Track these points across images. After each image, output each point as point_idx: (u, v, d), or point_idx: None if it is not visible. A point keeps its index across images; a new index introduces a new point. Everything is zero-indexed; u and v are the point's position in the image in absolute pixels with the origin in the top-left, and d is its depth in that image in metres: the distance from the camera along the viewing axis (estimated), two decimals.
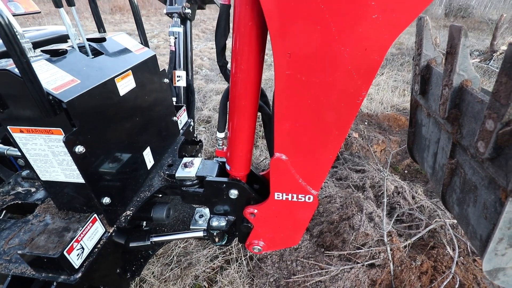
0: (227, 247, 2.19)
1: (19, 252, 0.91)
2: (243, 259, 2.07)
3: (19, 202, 1.22)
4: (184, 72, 1.87)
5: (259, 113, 1.21)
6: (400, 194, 2.32)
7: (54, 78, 0.85)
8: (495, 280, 0.82)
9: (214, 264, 2.08)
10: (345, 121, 0.91)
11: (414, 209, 2.21)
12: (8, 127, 0.89)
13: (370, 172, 2.62)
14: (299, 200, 1.14)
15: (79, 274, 0.94)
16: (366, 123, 4.07)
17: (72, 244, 0.93)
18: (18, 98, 0.82)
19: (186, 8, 1.77)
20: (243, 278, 1.96)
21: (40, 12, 2.08)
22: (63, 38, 1.49)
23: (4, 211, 1.24)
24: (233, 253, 2.12)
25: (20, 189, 1.30)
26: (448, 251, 1.88)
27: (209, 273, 2.03)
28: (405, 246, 1.90)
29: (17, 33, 0.85)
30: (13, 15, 1.95)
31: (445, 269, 1.80)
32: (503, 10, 11.60)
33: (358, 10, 0.70)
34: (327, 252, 1.88)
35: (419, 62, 1.07)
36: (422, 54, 1.05)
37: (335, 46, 0.76)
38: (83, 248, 0.98)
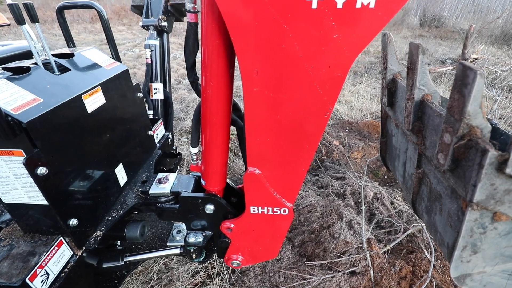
0: (209, 262, 2.15)
1: None
2: (225, 273, 2.03)
3: None
4: (161, 85, 1.85)
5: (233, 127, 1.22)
6: (379, 200, 2.37)
7: (14, 98, 0.81)
8: (463, 285, 0.85)
9: (195, 279, 2.02)
10: (314, 135, 0.93)
11: (393, 214, 2.26)
12: None
13: (350, 179, 2.67)
14: (274, 213, 1.14)
15: None
16: (347, 130, 4.16)
17: (36, 270, 0.88)
18: None
19: (162, 21, 1.76)
20: None
21: (9, 25, 2.02)
22: (29, 54, 1.44)
23: None
24: (215, 268, 2.08)
25: None
26: (425, 255, 1.93)
27: None
28: (384, 252, 1.94)
29: None
30: None
31: (423, 273, 1.84)
32: (472, 21, 12.36)
33: (320, 30, 0.72)
34: (308, 262, 1.88)
35: (385, 76, 1.12)
36: (387, 68, 1.09)
37: (300, 64, 0.78)
38: (48, 273, 0.92)
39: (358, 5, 0.68)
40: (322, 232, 1.95)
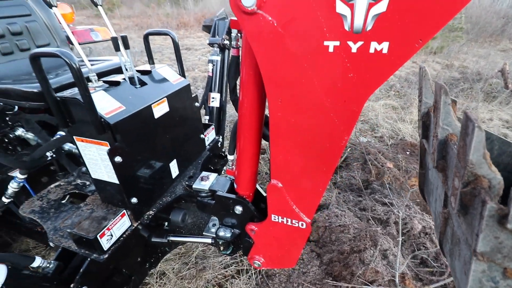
0: (241, 258, 2.33)
1: (69, 230, 1.21)
2: (253, 272, 2.18)
3: (77, 191, 1.58)
4: (219, 94, 2.12)
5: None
6: (427, 236, 2.16)
7: (107, 105, 1.14)
8: None
9: (226, 271, 2.23)
10: (331, 160, 1.00)
11: (442, 254, 2.03)
12: (74, 136, 1.22)
13: (399, 207, 2.50)
14: (293, 224, 1.24)
15: (106, 255, 1.20)
16: (408, 153, 3.83)
17: (104, 231, 1.20)
18: (82, 117, 1.13)
19: (225, 40, 2.03)
20: None
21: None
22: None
23: (67, 196, 1.60)
24: (245, 265, 2.25)
25: (79, 181, 1.66)
26: None
27: (221, 279, 2.19)
28: None
29: (85, 67, 1.17)
30: (93, 42, 2.48)
31: None
32: None
33: (336, 69, 0.81)
34: (333, 282, 1.87)
35: (420, 108, 1.11)
36: (422, 101, 1.09)
37: (318, 96, 0.88)
38: (112, 235, 1.24)
39: (372, 51, 0.75)
40: (352, 255, 1.91)
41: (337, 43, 0.76)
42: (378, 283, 1.80)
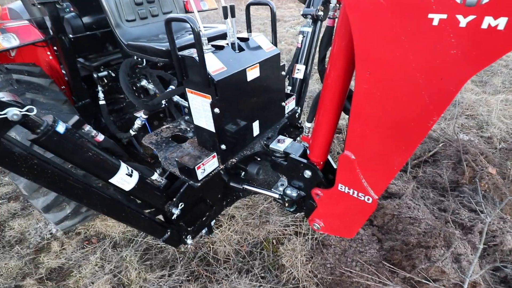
0: (300, 223, 2.51)
1: (176, 159, 1.58)
2: (309, 237, 2.34)
3: (180, 134, 1.98)
4: (304, 66, 2.17)
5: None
6: None
7: (213, 65, 1.38)
8: None
9: (285, 230, 2.46)
10: (413, 139, 0.99)
11: None
12: (186, 88, 1.53)
13: (490, 217, 2.15)
14: (359, 197, 1.29)
15: (199, 184, 1.53)
16: None
17: (199, 165, 1.52)
18: (194, 73, 1.41)
19: (320, 11, 2.01)
20: (303, 252, 2.25)
21: (217, 9, 2.89)
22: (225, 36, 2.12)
23: (170, 138, 2.03)
24: (303, 229, 2.42)
25: (182, 126, 2.07)
26: None
27: (279, 235, 2.44)
28: None
29: (201, 33, 1.41)
30: (200, 11, 2.82)
31: None
32: None
33: (437, 45, 0.78)
34: (392, 267, 1.85)
35: None
36: None
37: (411, 71, 0.86)
38: (204, 170, 1.55)
39: (484, 26, 0.69)
40: (418, 249, 1.81)
41: (444, 16, 0.73)
42: (442, 284, 1.69)
